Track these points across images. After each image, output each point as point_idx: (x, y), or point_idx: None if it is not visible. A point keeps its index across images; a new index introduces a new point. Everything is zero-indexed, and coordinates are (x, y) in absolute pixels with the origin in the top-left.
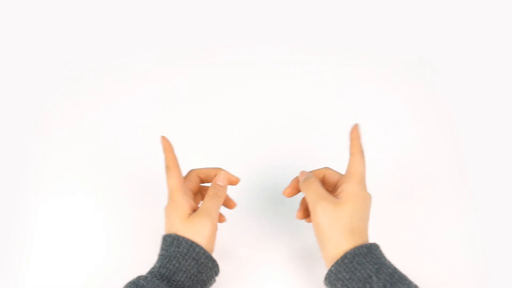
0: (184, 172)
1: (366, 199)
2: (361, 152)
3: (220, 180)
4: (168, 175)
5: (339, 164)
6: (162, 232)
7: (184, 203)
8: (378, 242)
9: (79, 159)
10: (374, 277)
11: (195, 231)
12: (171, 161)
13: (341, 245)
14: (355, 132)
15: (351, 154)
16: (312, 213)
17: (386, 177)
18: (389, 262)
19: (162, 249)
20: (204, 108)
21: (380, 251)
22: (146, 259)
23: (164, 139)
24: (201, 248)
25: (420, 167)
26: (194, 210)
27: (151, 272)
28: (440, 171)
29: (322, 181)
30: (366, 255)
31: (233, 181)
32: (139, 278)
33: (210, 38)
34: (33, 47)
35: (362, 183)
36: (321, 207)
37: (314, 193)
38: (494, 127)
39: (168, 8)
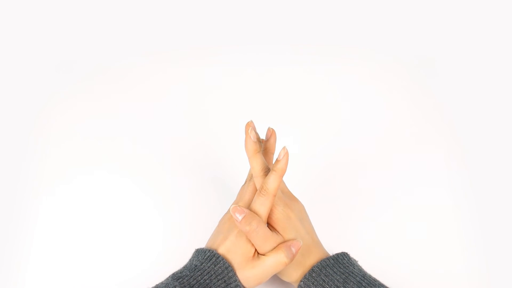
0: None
1: (291, 221)
2: (259, 190)
3: (295, 248)
4: (261, 200)
5: (339, 163)
6: (165, 232)
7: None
8: (376, 243)
9: (79, 160)
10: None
11: (244, 275)
12: (276, 189)
13: (295, 274)
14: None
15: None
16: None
17: (385, 178)
18: (358, 269)
19: (197, 260)
20: (204, 108)
21: (349, 260)
22: (147, 260)
23: (285, 159)
24: (234, 273)
25: (420, 168)
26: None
27: (178, 278)
28: (440, 171)
29: None
30: (333, 266)
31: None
32: (167, 285)
33: (210, 38)
34: (33, 47)
35: (279, 206)
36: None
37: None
38: (494, 128)
39: (168, 8)
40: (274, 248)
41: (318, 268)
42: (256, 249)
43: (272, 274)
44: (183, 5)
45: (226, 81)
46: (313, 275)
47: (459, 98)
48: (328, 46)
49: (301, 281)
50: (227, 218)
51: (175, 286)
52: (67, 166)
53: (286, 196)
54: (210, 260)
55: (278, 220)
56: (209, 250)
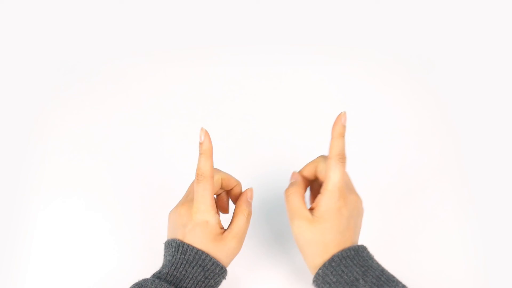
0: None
1: (341, 212)
2: (338, 156)
3: (250, 197)
4: (201, 185)
5: None
6: (161, 231)
7: (216, 224)
8: (377, 243)
9: (79, 161)
10: (361, 280)
11: (226, 253)
12: (209, 170)
13: (317, 260)
14: (337, 127)
15: (328, 157)
16: (290, 226)
17: (385, 178)
18: (376, 263)
19: (168, 255)
20: (204, 109)
21: (368, 253)
22: (148, 262)
23: (206, 139)
24: (207, 255)
25: (420, 168)
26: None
27: (157, 276)
28: (439, 171)
29: (314, 176)
30: (354, 258)
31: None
32: (145, 281)
33: (209, 38)
34: (33, 48)
35: (337, 192)
36: (295, 225)
37: (290, 208)
38: (494, 128)
39: (168, 8)
40: (236, 210)
41: (338, 258)
42: (219, 228)
43: (243, 237)
44: (182, 5)
45: (225, 81)
46: (333, 264)
47: (459, 98)
48: (328, 46)
49: (319, 269)
50: (177, 212)
51: (153, 281)
52: (67, 168)
53: (347, 188)
54: (178, 250)
55: (328, 210)
56: (174, 241)
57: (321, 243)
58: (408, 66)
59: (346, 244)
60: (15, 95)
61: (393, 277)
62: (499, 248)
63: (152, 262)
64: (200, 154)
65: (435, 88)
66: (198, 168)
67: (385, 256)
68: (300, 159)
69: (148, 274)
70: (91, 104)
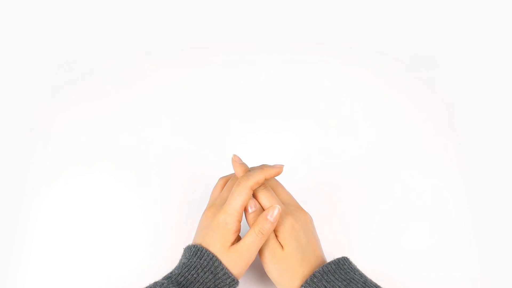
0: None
1: (294, 231)
2: (266, 189)
3: (271, 215)
4: (239, 189)
5: (339, 163)
6: (161, 233)
7: (233, 230)
8: (377, 247)
9: (79, 159)
10: None
11: (234, 263)
12: (254, 183)
13: (292, 285)
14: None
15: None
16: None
17: (385, 177)
18: (359, 275)
19: (185, 257)
20: (204, 108)
21: (350, 265)
22: (147, 260)
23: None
24: (220, 263)
25: (420, 167)
26: (238, 232)
27: (168, 277)
28: (440, 170)
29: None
30: (335, 272)
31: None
32: (155, 284)
33: (210, 38)
34: (34, 47)
35: (285, 217)
36: (264, 257)
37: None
38: (494, 126)
39: (167, 8)
40: (252, 224)
41: (319, 273)
42: (234, 237)
43: (255, 252)
44: (182, 5)
45: (225, 81)
46: (315, 280)
47: (458, 97)
48: (328, 46)
49: (302, 286)
50: (204, 216)
51: (163, 283)
52: (67, 167)
53: (293, 207)
54: (196, 254)
55: (282, 229)
56: (194, 246)
57: (289, 268)
58: (408, 65)
59: (312, 262)
60: (16, 93)
61: (377, 286)
62: (501, 252)
63: (153, 262)
64: (260, 169)
65: (435, 87)
66: (246, 176)
67: (384, 261)
68: (300, 159)
69: (151, 275)
70: (91, 103)
